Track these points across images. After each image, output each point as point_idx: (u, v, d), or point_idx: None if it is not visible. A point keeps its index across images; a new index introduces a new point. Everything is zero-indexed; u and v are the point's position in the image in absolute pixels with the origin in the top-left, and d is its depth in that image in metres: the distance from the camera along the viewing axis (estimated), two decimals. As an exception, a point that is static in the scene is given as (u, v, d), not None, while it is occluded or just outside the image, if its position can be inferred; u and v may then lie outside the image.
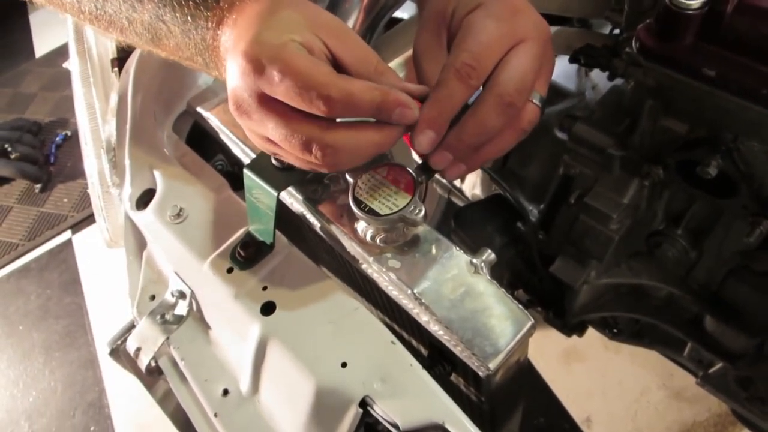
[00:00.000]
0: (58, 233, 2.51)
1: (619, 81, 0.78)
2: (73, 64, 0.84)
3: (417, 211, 0.50)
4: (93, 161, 0.80)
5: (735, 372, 0.77)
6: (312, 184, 0.59)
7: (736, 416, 0.93)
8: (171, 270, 0.67)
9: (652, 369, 1.44)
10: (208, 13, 0.48)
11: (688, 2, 0.48)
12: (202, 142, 0.81)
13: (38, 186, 2.66)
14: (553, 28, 0.80)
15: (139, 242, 0.73)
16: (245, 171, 0.56)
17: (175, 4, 0.49)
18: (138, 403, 1.87)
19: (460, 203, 1.19)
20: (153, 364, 0.65)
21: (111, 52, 0.82)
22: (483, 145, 0.50)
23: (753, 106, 0.50)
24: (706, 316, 0.81)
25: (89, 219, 2.49)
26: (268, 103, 0.44)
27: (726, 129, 0.58)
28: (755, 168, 0.59)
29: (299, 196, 0.59)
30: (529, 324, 0.49)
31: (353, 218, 0.55)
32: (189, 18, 0.49)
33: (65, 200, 2.60)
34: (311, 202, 0.58)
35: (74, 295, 2.28)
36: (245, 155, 0.65)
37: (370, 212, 0.51)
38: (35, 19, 3.72)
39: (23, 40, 3.58)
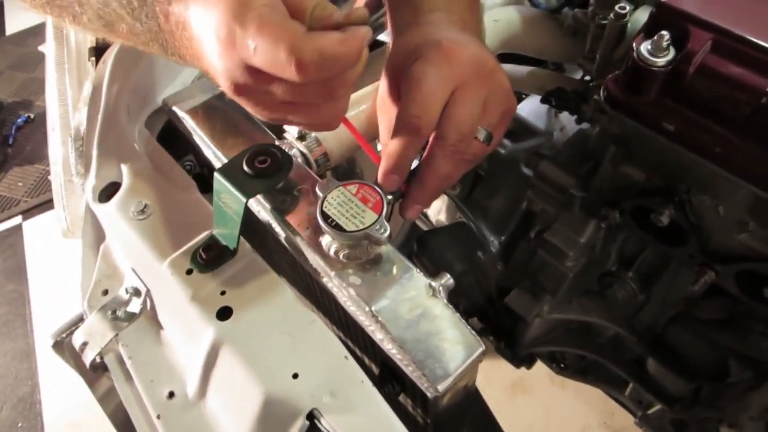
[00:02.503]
0: (9, 217, 2.42)
1: (586, 125, 0.82)
2: (48, 48, 0.83)
3: (382, 230, 0.51)
4: (59, 148, 0.78)
5: (671, 414, 0.80)
6: (281, 194, 0.59)
7: (670, 458, 0.96)
8: (128, 266, 0.65)
9: (595, 406, 1.48)
10: None
11: (654, 59, 0.51)
12: (174, 141, 0.80)
13: (-6, 167, 2.57)
14: (527, 68, 0.84)
15: (97, 235, 0.72)
16: (216, 175, 0.57)
17: None
18: (72, 401, 1.80)
19: (424, 227, 1.20)
20: (98, 360, 0.63)
21: (90, 40, 0.81)
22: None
23: (706, 162, 0.53)
24: (648, 358, 0.85)
25: (43, 206, 2.41)
26: (257, 70, 0.41)
27: (681, 181, 0.61)
28: (704, 220, 0.63)
29: (267, 205, 0.59)
30: (480, 350, 0.50)
31: (319, 232, 0.56)
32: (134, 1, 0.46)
33: (20, 184, 2.52)
34: (279, 212, 0.58)
35: (17, 283, 2.20)
36: (216, 158, 0.65)
37: (337, 227, 0.51)
38: (9, -4, 3.63)
39: (-6, 16, 3.49)
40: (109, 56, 0.75)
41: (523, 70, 0.83)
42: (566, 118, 0.91)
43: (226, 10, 0.39)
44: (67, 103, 0.78)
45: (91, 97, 0.74)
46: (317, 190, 0.55)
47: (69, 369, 0.70)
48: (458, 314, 0.52)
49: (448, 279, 0.53)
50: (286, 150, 0.61)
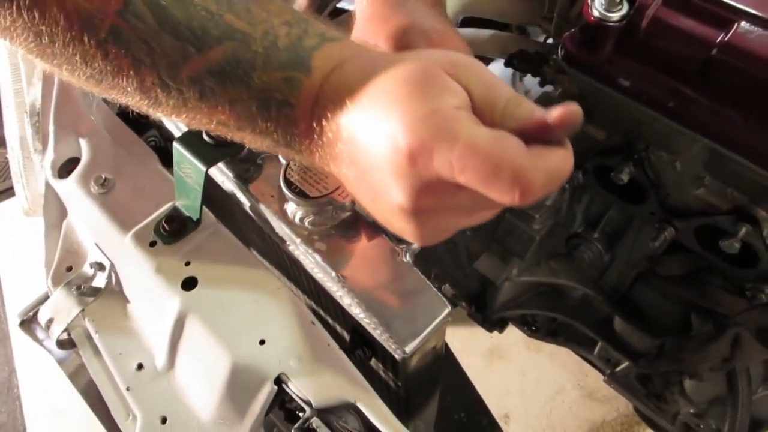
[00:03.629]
0: (-28, 204, 2.36)
1: (549, 88, 0.82)
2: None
3: (346, 195, 0.51)
4: (14, 125, 0.76)
5: (636, 369, 0.83)
6: (244, 163, 0.58)
7: (639, 415, 0.99)
8: (91, 241, 0.65)
9: (569, 369, 1.51)
10: (293, 99, 0.36)
11: (608, 14, 0.51)
12: (137, 115, 0.79)
13: (-44, 152, 2.49)
14: (490, 32, 0.83)
15: (59, 212, 0.71)
16: (174, 144, 0.56)
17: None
18: (51, 385, 1.79)
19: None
20: (65, 336, 0.63)
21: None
22: None
23: (662, 117, 0.54)
24: (615, 317, 0.87)
25: (9, 191, 2.35)
26: (446, 185, 0.33)
27: (639, 138, 0.62)
28: (663, 177, 0.64)
29: (230, 174, 0.58)
30: (446, 311, 0.51)
31: (283, 199, 0.55)
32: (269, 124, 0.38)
33: (-16, 170, 2.44)
34: (242, 180, 0.58)
35: (-14, 270, 2.16)
36: (178, 129, 0.64)
37: (300, 194, 0.51)
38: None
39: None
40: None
41: (485, 33, 0.83)
42: (530, 82, 0.91)
43: (415, 119, 0.31)
44: (21, 78, 0.76)
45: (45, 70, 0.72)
46: (280, 157, 0.55)
47: (45, 351, 0.70)
48: (424, 277, 0.52)
49: (412, 243, 0.53)
50: (247, 118, 0.60)
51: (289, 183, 0.52)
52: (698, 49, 0.48)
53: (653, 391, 0.81)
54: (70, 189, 0.66)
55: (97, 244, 0.63)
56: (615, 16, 0.50)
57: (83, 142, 0.68)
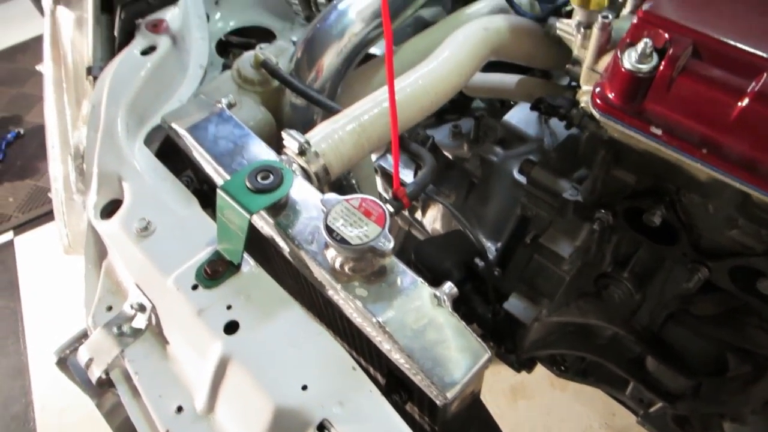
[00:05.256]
0: (0, 233, 2.41)
1: (575, 130, 0.84)
2: (46, 68, 0.84)
3: (387, 242, 0.52)
4: (59, 166, 0.79)
5: (673, 411, 0.82)
6: (284, 209, 0.60)
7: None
8: (132, 282, 0.66)
9: (595, 408, 1.49)
10: None
11: (639, 66, 0.52)
12: (172, 157, 0.81)
13: (-17, 182, 2.56)
14: (516, 77, 0.86)
15: (99, 251, 0.73)
16: (219, 191, 0.58)
17: None
18: (67, 419, 1.79)
19: (420, 237, 1.22)
20: (104, 376, 0.64)
21: (87, 60, 0.82)
22: None
23: (695, 162, 0.54)
24: (647, 356, 0.86)
25: (35, 221, 2.40)
26: None
27: (670, 182, 0.63)
28: (695, 219, 0.64)
29: (270, 220, 0.60)
30: (486, 357, 0.51)
31: (323, 245, 0.57)
32: None
33: (11, 199, 2.51)
34: (282, 226, 0.59)
35: (9, 299, 2.18)
36: (218, 175, 0.66)
37: (342, 241, 0.53)
38: (-4, 12, 3.62)
39: (-19, 32, 3.47)
40: (107, 75, 0.76)
41: (512, 79, 0.85)
42: (555, 123, 0.93)
43: None
44: (66, 121, 0.79)
45: (90, 115, 0.75)
46: (321, 204, 0.56)
47: (63, 386, 0.70)
48: (463, 322, 0.53)
49: (451, 288, 0.54)
50: (287, 165, 0.62)
51: (330, 230, 0.53)
52: (729, 99, 0.49)
53: (690, 433, 0.80)
54: (112, 230, 0.68)
55: (138, 285, 0.65)
56: (645, 68, 0.52)
57: (126, 185, 0.71)
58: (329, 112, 0.82)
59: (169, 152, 0.80)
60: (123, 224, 0.67)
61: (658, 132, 0.54)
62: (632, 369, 0.90)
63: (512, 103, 0.94)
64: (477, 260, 0.93)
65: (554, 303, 0.86)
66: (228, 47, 1.09)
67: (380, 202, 0.55)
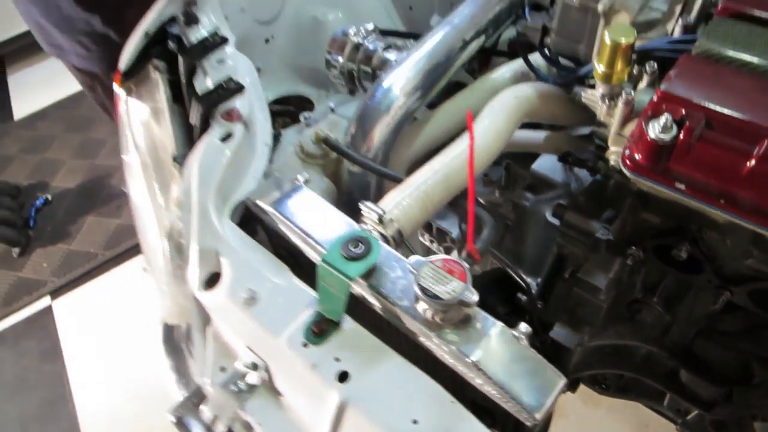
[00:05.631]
0: (37, 299, 2.49)
1: (598, 176, 0.96)
2: (132, 157, 0.96)
3: (471, 295, 0.64)
4: (156, 244, 0.90)
5: (710, 417, 0.92)
6: (376, 273, 0.71)
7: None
8: (242, 344, 0.77)
9: (629, 422, 1.58)
10: None
11: (662, 136, 0.65)
12: (249, 228, 0.93)
13: (16, 250, 2.63)
14: (544, 133, 0.98)
15: (204, 319, 0.83)
16: (321, 264, 0.69)
17: None
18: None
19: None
20: (227, 431, 0.74)
21: (171, 148, 0.94)
22: None
23: (713, 209, 0.66)
24: (680, 369, 0.97)
25: (71, 284, 2.48)
26: None
27: (692, 222, 0.75)
28: (716, 251, 0.76)
29: (363, 282, 0.71)
30: (562, 382, 0.63)
31: (413, 300, 0.68)
32: None
33: (45, 265, 2.59)
34: (374, 287, 0.70)
35: (54, 363, 2.25)
36: (307, 245, 0.78)
37: (435, 297, 0.64)
38: (14, 81, 3.71)
39: (1, 101, 3.56)
40: (194, 163, 0.88)
41: (540, 135, 0.98)
42: (579, 170, 1.05)
43: None
44: (158, 203, 0.91)
45: (184, 198, 0.87)
46: (409, 266, 0.68)
47: None
48: (540, 355, 0.64)
49: (527, 328, 0.65)
50: (370, 233, 0.74)
51: (423, 289, 0.65)
52: (739, 160, 0.61)
53: (728, 436, 0.91)
54: (218, 301, 0.79)
55: (249, 347, 0.76)
56: (667, 137, 0.64)
57: (223, 260, 0.82)
58: (387, 178, 0.94)
59: (245, 224, 0.92)
60: (229, 295, 0.78)
61: (682, 187, 0.66)
62: (668, 382, 1.01)
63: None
64: (520, 295, 1.05)
65: (595, 329, 0.98)
66: (272, 116, 1.22)
67: (459, 260, 0.67)
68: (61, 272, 2.55)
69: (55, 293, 2.49)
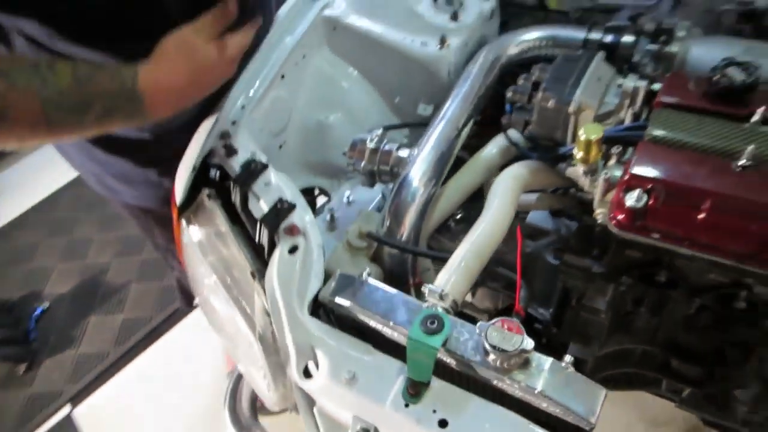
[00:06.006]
0: (55, 411, 2.52)
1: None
2: (212, 280, 1.15)
3: (530, 343, 0.87)
4: (249, 347, 1.09)
5: (701, 393, 1.19)
6: (452, 338, 0.93)
7: (706, 423, 1.33)
8: (349, 415, 0.97)
9: (630, 408, 1.86)
10: None
11: (637, 204, 0.91)
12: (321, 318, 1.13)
13: (22, 366, 2.64)
14: (535, 195, 1.24)
15: (308, 401, 1.03)
16: (409, 340, 0.91)
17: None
18: None
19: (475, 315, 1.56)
20: (354, 486, 0.94)
21: (245, 266, 1.14)
22: None
23: (682, 249, 0.93)
24: (671, 359, 1.23)
25: (88, 388, 2.54)
26: None
27: (666, 255, 1.02)
28: (686, 272, 1.03)
29: (442, 348, 0.93)
30: (604, 392, 0.87)
31: (483, 354, 0.90)
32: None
33: (56, 375, 2.63)
34: (450, 349, 0.93)
35: (82, 476, 2.29)
36: (389, 328, 0.99)
37: (503, 351, 0.87)
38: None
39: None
40: (273, 275, 1.08)
41: (533, 197, 1.24)
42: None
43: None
44: (247, 313, 1.10)
45: (270, 306, 1.06)
46: (476, 329, 0.91)
47: None
48: (583, 375, 0.88)
49: (571, 359, 0.89)
50: (437, 308, 0.96)
51: (492, 346, 0.88)
52: (693, 215, 0.88)
53: (719, 402, 1.17)
54: (321, 384, 0.99)
55: (357, 416, 0.96)
56: (641, 204, 0.90)
57: (318, 351, 1.02)
58: (423, 256, 1.17)
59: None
60: (331, 378, 0.98)
61: (657, 236, 0.92)
62: (663, 370, 1.27)
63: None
64: (537, 325, 1.29)
65: (601, 341, 1.23)
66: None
67: (512, 319, 0.90)
68: (75, 378, 2.59)
69: (74, 400, 2.53)
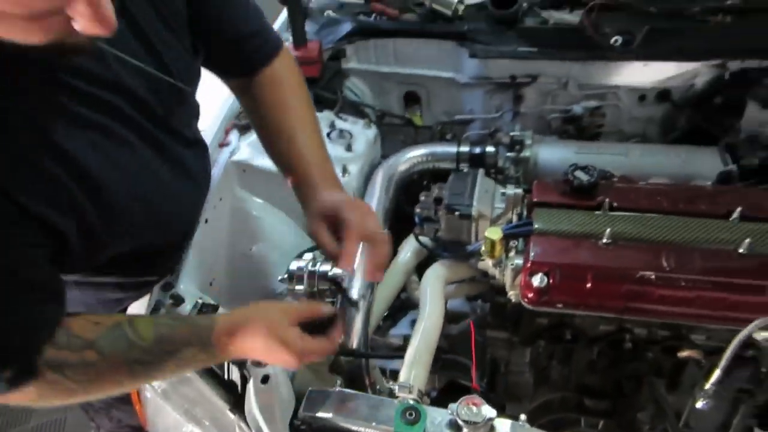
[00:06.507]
0: None
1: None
2: (191, 429, 1.21)
3: (492, 413, 1.08)
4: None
5: (614, 421, 1.47)
6: (428, 423, 1.11)
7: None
8: None
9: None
10: None
11: (539, 284, 1.19)
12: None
13: None
14: (453, 286, 1.49)
15: None
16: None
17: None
18: None
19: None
20: None
21: (226, 402, 1.22)
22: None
23: (578, 312, 1.22)
24: (584, 399, 1.51)
25: None
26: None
27: (567, 318, 1.31)
28: (583, 328, 1.33)
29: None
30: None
31: (458, 430, 1.09)
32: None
33: None
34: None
35: None
36: (373, 430, 1.14)
37: (473, 423, 1.06)
38: None
39: None
40: (252, 406, 1.19)
41: (452, 288, 1.49)
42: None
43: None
44: None
45: (256, 437, 1.16)
46: (448, 412, 1.09)
47: None
48: (535, 428, 1.10)
49: (525, 417, 1.11)
50: (410, 401, 1.14)
51: (464, 421, 1.07)
52: (582, 286, 1.18)
53: (627, 427, 1.46)
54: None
55: None
56: (543, 284, 1.18)
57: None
58: (378, 358, 1.35)
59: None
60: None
61: (561, 306, 1.20)
62: (579, 410, 1.54)
63: (446, 298, 1.56)
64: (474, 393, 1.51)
65: (530, 396, 1.48)
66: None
67: (474, 396, 1.10)
68: None
69: None
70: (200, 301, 1.36)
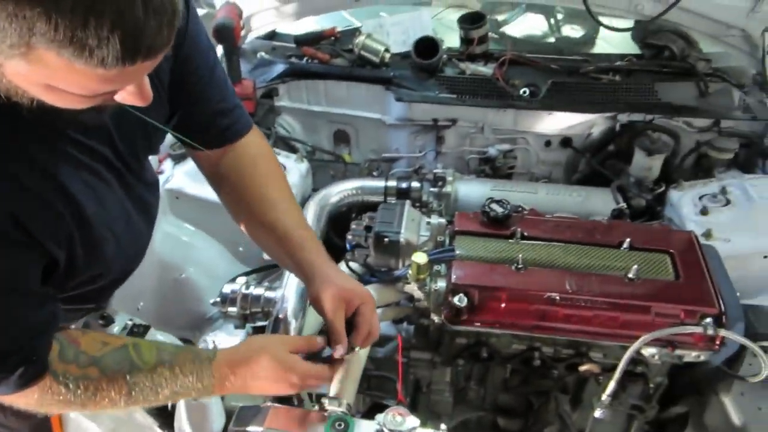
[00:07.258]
0: None
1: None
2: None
3: (416, 422, 1.16)
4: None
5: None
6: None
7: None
8: None
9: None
10: None
11: (460, 304, 1.30)
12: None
13: None
14: (381, 309, 1.58)
15: None
16: (328, 444, 1.12)
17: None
18: None
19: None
20: None
21: (154, 420, 1.22)
22: None
23: (494, 330, 1.34)
24: (498, 418, 1.63)
25: None
26: None
27: (485, 338, 1.43)
28: (499, 347, 1.45)
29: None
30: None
31: (384, 441, 1.16)
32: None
33: None
34: (358, 444, 1.16)
35: None
36: (301, 441, 1.18)
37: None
38: None
39: None
40: (181, 423, 1.20)
41: (380, 311, 1.57)
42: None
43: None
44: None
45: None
46: (375, 423, 1.17)
47: None
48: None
49: (444, 426, 1.20)
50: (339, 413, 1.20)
51: (391, 430, 1.14)
52: (498, 305, 1.31)
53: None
54: None
55: None
56: (463, 304, 1.30)
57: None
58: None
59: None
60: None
61: (479, 325, 1.32)
62: (494, 429, 1.66)
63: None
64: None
65: (449, 415, 1.58)
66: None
67: (399, 407, 1.18)
68: None
69: None
70: (130, 322, 1.36)
